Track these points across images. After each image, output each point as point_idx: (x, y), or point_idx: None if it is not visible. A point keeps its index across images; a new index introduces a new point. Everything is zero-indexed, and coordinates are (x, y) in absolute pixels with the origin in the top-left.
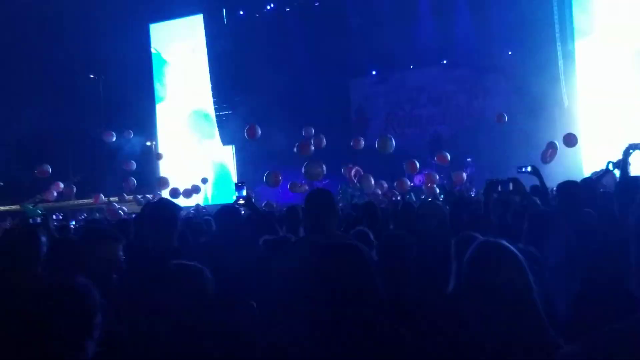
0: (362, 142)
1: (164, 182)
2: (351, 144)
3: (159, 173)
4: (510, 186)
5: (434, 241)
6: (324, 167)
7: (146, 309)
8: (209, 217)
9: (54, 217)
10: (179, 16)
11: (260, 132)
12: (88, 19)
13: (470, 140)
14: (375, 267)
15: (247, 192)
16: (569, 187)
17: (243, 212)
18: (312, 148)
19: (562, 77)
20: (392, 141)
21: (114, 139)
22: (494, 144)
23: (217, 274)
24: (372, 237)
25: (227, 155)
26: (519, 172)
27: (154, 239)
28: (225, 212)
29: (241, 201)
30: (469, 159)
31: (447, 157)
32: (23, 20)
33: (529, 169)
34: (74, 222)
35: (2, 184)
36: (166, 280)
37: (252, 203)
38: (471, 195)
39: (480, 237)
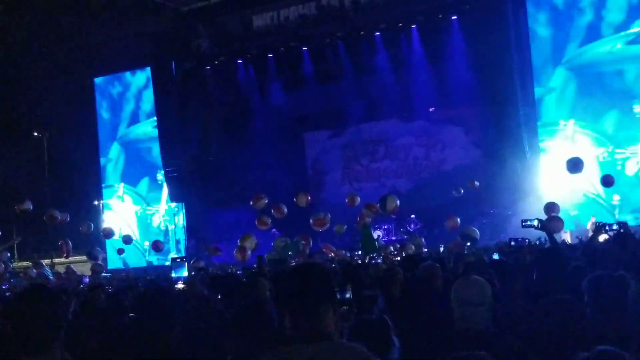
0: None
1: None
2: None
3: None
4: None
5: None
6: None
7: None
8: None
9: None
10: (125, 69)
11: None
12: (32, 73)
13: (429, 193)
14: None
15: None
16: None
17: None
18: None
19: (523, 127)
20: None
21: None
22: (453, 197)
23: None
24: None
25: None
26: (523, 227)
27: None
28: (154, 298)
29: (180, 285)
30: (412, 215)
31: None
32: None
33: (535, 223)
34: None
35: None
36: None
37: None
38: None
39: None
